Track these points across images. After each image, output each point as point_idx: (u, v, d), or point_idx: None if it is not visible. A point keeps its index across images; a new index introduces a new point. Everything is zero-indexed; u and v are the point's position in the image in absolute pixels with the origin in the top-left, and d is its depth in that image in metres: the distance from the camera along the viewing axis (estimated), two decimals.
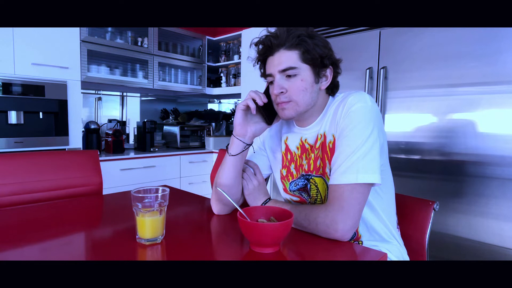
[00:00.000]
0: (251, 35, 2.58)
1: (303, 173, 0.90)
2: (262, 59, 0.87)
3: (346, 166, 0.75)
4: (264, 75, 0.88)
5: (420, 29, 1.57)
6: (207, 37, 3.08)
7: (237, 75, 3.04)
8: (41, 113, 2.04)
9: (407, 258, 0.90)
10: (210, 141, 2.94)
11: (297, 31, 0.80)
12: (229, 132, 3.31)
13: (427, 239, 0.94)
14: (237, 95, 3.09)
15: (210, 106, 3.72)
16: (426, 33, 1.55)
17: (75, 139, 2.19)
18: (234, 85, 3.05)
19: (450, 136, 1.50)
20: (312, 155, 0.88)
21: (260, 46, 0.85)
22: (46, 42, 2.02)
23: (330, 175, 0.80)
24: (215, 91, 3.16)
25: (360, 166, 0.73)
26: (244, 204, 0.98)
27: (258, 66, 0.90)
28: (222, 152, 1.64)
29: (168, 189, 0.77)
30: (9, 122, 1.92)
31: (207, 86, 3.14)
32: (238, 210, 0.76)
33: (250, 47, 0.89)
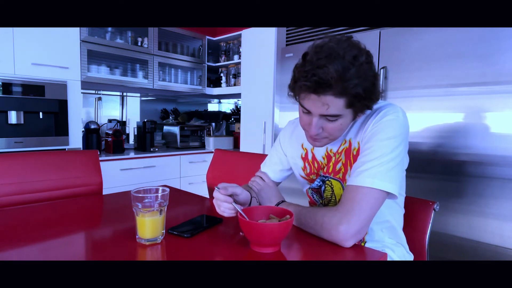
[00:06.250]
0: (251, 35, 2.58)
1: (321, 173, 0.91)
2: (304, 93, 0.75)
3: (365, 169, 0.73)
4: (299, 103, 0.78)
5: (420, 29, 1.57)
6: (207, 37, 3.07)
7: (237, 75, 3.04)
8: (41, 113, 2.04)
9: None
10: (210, 141, 2.94)
11: (353, 77, 0.68)
12: (229, 132, 3.31)
13: (427, 239, 0.94)
14: (237, 95, 3.08)
15: (210, 106, 3.72)
16: (426, 33, 1.55)
17: (75, 139, 2.19)
18: (234, 85, 3.05)
19: (450, 136, 1.49)
20: (333, 158, 0.88)
21: (303, 80, 0.72)
22: (46, 42, 2.02)
23: None
24: (215, 91, 3.16)
25: (379, 172, 0.72)
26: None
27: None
28: (218, 152, 1.64)
29: (168, 189, 0.77)
30: (9, 122, 1.92)
31: (207, 86, 3.14)
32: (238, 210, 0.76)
33: (295, 76, 0.76)
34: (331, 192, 0.89)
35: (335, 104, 0.72)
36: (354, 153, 0.83)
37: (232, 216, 0.82)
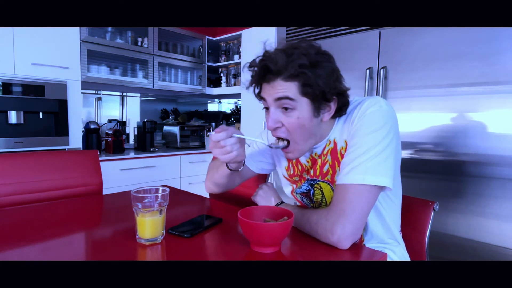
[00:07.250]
0: (251, 35, 2.58)
1: (308, 177, 0.89)
2: (257, 83, 0.80)
3: (353, 166, 0.70)
4: (259, 96, 0.80)
5: (420, 29, 1.57)
6: (207, 37, 3.08)
7: (237, 75, 3.04)
8: (41, 113, 2.04)
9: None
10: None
11: (299, 58, 0.70)
12: None
13: (427, 239, 0.94)
14: (237, 95, 3.09)
15: (210, 106, 3.72)
16: (426, 33, 1.55)
17: (75, 139, 2.19)
18: (234, 85, 3.05)
19: (450, 136, 1.50)
20: (319, 161, 0.84)
21: (253, 68, 0.77)
22: (46, 42, 2.02)
23: None
24: (215, 91, 3.16)
25: (370, 166, 0.69)
26: (246, 204, 0.98)
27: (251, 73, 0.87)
28: None
29: (168, 189, 0.77)
30: (9, 122, 1.92)
31: (207, 86, 3.14)
32: (238, 210, 0.76)
33: (242, 70, 0.82)
34: (321, 195, 0.86)
35: (286, 87, 0.72)
36: (342, 152, 0.79)
37: (233, 156, 0.77)
